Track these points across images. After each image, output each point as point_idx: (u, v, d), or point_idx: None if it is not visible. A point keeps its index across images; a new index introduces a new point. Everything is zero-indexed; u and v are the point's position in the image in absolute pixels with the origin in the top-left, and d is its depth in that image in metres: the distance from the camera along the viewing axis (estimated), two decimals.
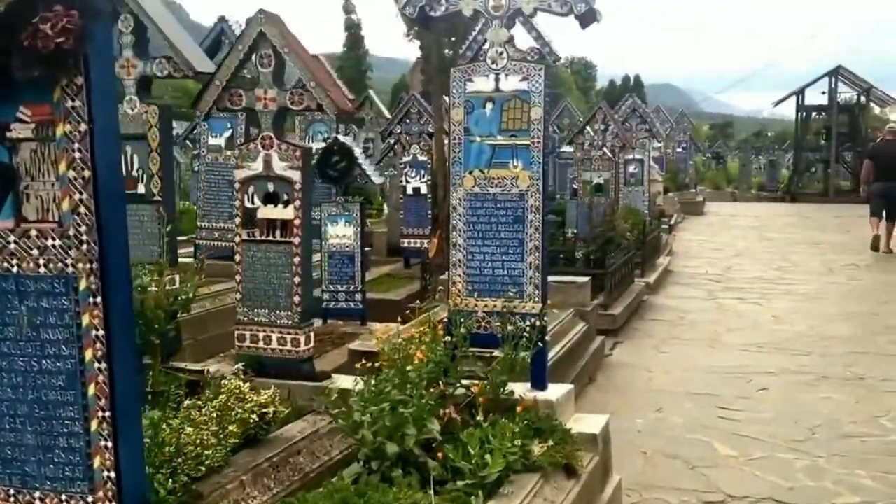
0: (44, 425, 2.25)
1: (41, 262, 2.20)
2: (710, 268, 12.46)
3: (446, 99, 5.32)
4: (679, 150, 26.14)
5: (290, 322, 4.45)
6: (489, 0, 3.99)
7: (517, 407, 3.76)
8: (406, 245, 9.77)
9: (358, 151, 6.52)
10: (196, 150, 9.94)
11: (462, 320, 4.05)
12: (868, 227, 14.32)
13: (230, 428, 3.41)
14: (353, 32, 47.70)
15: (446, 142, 6.54)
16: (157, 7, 4.76)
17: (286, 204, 4.40)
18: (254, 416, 3.66)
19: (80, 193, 2.13)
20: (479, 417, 3.57)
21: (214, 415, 3.54)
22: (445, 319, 4.16)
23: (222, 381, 3.89)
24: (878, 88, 29.36)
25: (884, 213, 13.74)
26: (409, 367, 3.66)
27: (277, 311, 4.46)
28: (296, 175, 4.38)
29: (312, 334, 4.55)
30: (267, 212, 4.45)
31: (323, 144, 7.58)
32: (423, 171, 9.51)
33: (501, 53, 3.99)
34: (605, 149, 10.54)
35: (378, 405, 3.42)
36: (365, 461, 3.34)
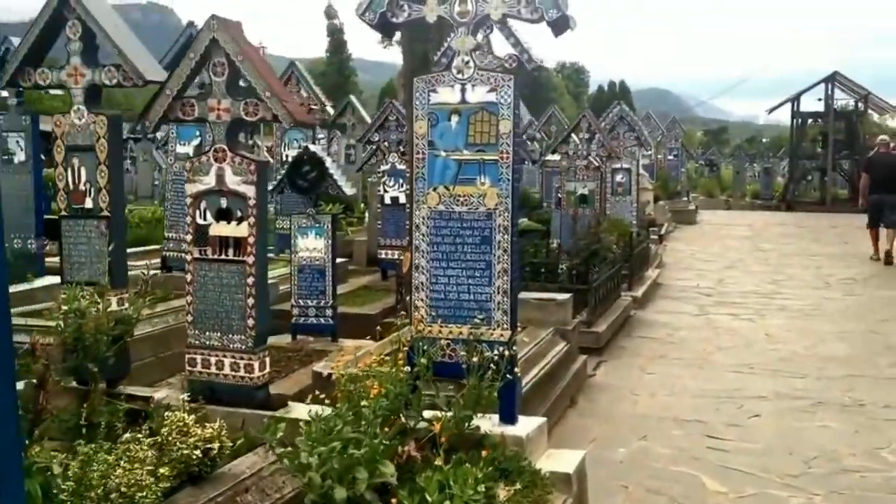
0: None
1: None
2: (701, 280, 12.14)
3: None
4: (670, 157, 25.87)
5: (243, 346, 4.17)
6: (455, 6, 3.69)
7: (483, 444, 3.47)
8: (383, 256, 9.44)
9: (329, 161, 6.22)
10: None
11: (425, 348, 3.76)
12: (867, 240, 14.14)
13: (161, 471, 3.11)
14: (336, 37, 47.47)
15: None
16: (106, 12, 4.47)
17: (240, 221, 4.12)
18: (196, 453, 3.39)
19: None
20: (439, 460, 3.27)
21: (150, 453, 3.26)
22: (406, 348, 3.86)
23: (165, 413, 3.62)
24: (875, 95, 29.03)
25: (882, 223, 13.64)
26: (363, 403, 3.38)
27: (230, 335, 4.18)
28: (250, 190, 4.10)
29: (267, 360, 4.26)
30: (219, 229, 4.17)
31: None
32: (401, 180, 9.16)
33: (468, 62, 3.69)
34: (590, 158, 10.18)
35: (327, 444, 3.15)
36: None
